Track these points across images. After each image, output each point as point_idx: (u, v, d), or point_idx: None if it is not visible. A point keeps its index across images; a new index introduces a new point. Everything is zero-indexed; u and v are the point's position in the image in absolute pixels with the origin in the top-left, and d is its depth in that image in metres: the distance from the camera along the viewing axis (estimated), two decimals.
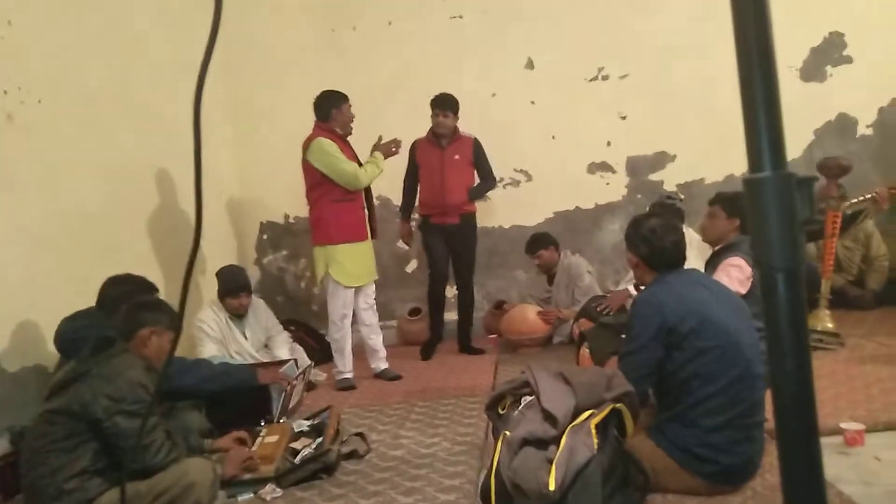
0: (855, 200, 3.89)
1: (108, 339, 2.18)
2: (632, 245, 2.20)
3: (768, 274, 0.58)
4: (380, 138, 3.99)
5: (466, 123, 4.52)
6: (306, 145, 3.81)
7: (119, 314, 2.29)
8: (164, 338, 2.26)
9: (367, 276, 3.96)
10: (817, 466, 0.57)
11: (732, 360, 1.94)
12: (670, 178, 5.13)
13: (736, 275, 2.75)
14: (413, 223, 4.64)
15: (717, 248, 3.06)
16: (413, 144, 4.42)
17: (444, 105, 4.31)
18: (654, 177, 5.16)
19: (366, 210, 3.93)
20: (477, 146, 4.45)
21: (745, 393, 1.94)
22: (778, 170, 0.58)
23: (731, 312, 2.04)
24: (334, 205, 3.82)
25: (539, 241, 4.67)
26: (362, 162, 3.93)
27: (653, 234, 2.16)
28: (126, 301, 2.40)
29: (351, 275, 3.85)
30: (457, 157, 4.36)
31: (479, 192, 4.55)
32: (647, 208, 4.42)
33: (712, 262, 3.03)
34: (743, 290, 2.64)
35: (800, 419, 0.57)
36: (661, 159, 5.15)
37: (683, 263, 2.20)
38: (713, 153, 4.71)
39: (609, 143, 5.16)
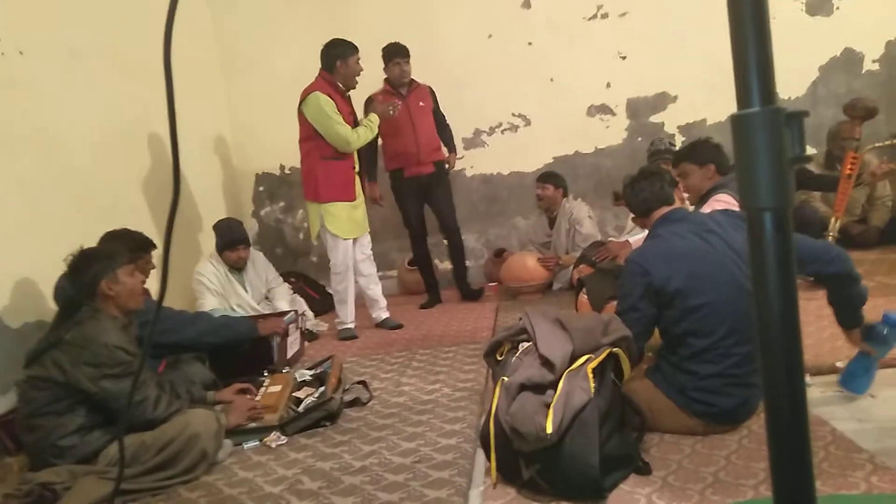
0: (879, 144, 3.82)
1: (74, 302, 2.17)
2: (626, 203, 2.26)
3: (755, 214, 0.56)
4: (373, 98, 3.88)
5: (461, 67, 4.43)
6: (304, 96, 3.73)
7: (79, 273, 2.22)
8: (128, 278, 2.23)
9: (362, 228, 3.95)
10: (802, 412, 0.56)
11: (725, 315, 1.94)
12: (671, 120, 5.06)
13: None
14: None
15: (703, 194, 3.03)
16: (368, 99, 4.17)
17: (403, 52, 4.20)
18: (654, 118, 5.08)
19: (354, 170, 3.84)
20: (433, 94, 4.39)
21: (737, 347, 1.94)
22: (767, 105, 0.55)
23: (731, 261, 2.00)
24: (324, 162, 3.76)
25: (551, 176, 4.66)
26: (359, 119, 3.86)
27: (631, 187, 2.20)
28: None
29: (347, 227, 3.84)
30: (421, 103, 4.29)
31: (453, 141, 4.53)
32: (648, 155, 4.38)
33: (699, 207, 3.00)
34: None
35: (787, 364, 0.57)
36: (661, 100, 5.07)
37: (670, 203, 2.17)
38: (715, 93, 4.61)
39: (609, 85, 5.06)
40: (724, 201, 2.67)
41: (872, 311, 2.20)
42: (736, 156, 0.58)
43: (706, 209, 2.75)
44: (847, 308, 2.11)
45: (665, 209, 2.15)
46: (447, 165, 4.49)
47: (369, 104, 4.15)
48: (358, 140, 3.74)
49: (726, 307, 1.94)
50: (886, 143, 3.85)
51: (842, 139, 4.18)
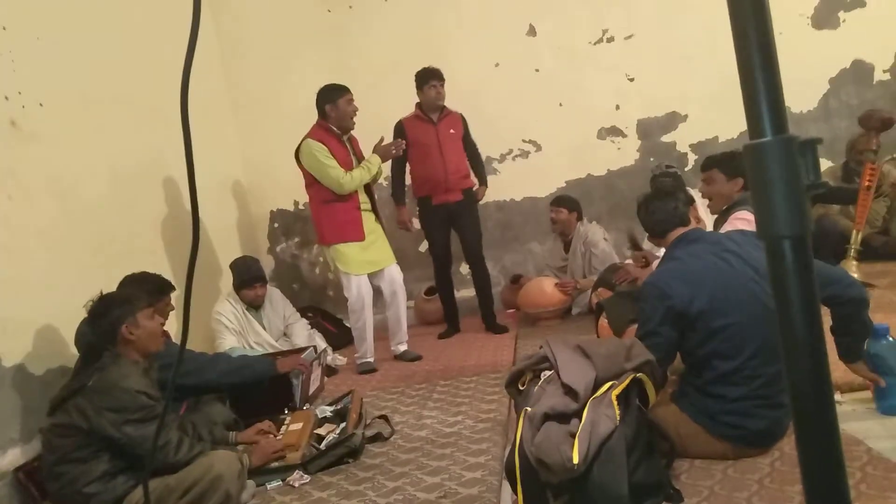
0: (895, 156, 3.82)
1: (95, 348, 2.20)
2: (640, 223, 2.25)
3: (774, 242, 0.57)
4: (381, 140, 3.93)
5: (470, 96, 4.49)
6: (298, 147, 3.82)
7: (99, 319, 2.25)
8: (148, 321, 2.26)
9: (380, 262, 3.95)
10: (834, 439, 0.56)
11: (750, 335, 1.92)
12: (683, 139, 5.07)
13: (742, 227, 2.71)
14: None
15: (724, 207, 3.03)
16: (399, 124, 4.29)
17: (438, 76, 4.23)
18: (666, 138, 5.09)
19: (360, 210, 3.83)
20: (465, 122, 4.41)
21: (764, 367, 1.92)
22: (779, 134, 0.56)
23: (753, 281, 1.98)
24: (325, 206, 3.83)
25: (564, 200, 4.66)
26: (363, 158, 3.91)
27: (645, 207, 2.20)
28: None
29: (357, 264, 3.85)
30: (451, 131, 4.30)
31: (484, 172, 4.53)
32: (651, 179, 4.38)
33: (719, 223, 3.00)
34: None
35: (814, 391, 0.56)
36: (672, 120, 5.08)
37: (686, 223, 2.17)
38: (725, 110, 4.58)
39: (618, 107, 5.09)
40: (746, 219, 2.67)
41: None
42: (751, 185, 0.58)
43: (727, 226, 2.75)
44: (857, 337, 2.06)
45: (681, 230, 2.15)
46: (476, 197, 4.49)
47: (399, 129, 4.26)
48: (351, 182, 3.76)
49: (751, 327, 1.92)
50: None
51: (857, 152, 4.17)
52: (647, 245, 4.13)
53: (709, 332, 1.94)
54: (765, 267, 1.76)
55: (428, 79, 4.23)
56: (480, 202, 4.58)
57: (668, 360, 2.02)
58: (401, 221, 4.43)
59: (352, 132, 3.93)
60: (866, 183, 3.49)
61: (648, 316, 2.02)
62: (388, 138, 4.12)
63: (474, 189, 4.47)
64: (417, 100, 4.31)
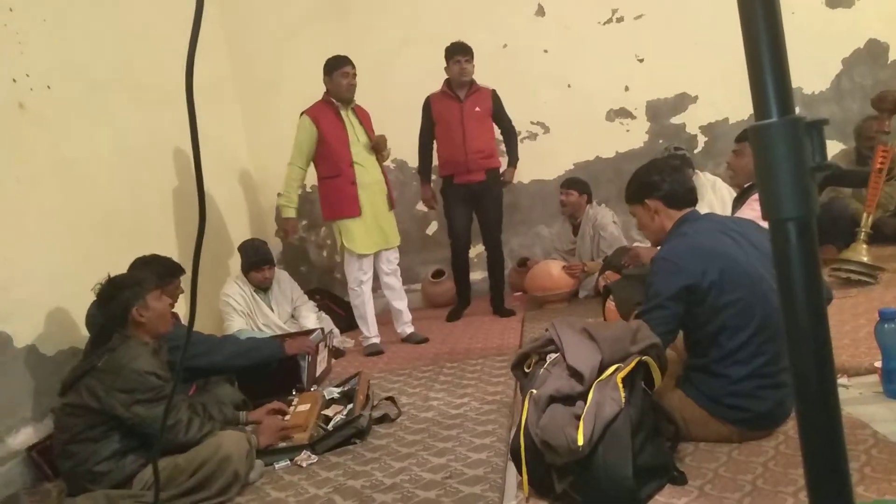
0: None
1: (105, 330, 2.22)
2: (647, 192, 2.14)
3: (779, 225, 0.56)
4: (383, 139, 3.88)
5: (478, 77, 4.44)
6: None
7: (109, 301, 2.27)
8: (157, 303, 2.28)
9: (382, 242, 3.94)
10: (836, 421, 0.56)
11: (755, 311, 1.92)
12: (692, 121, 5.03)
13: (755, 216, 2.70)
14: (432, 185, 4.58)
15: (745, 185, 3.02)
16: (427, 100, 4.30)
17: (465, 50, 4.16)
18: (675, 120, 5.05)
19: (355, 185, 3.80)
20: (496, 98, 4.33)
21: (767, 344, 1.92)
22: (785, 115, 0.55)
23: (756, 259, 1.99)
24: (323, 182, 3.89)
25: (575, 182, 4.65)
26: (373, 132, 3.89)
27: (665, 169, 2.15)
28: None
29: (361, 242, 3.85)
30: (477, 108, 4.24)
31: (516, 151, 4.45)
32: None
33: (741, 199, 3.00)
34: None
35: (817, 373, 0.56)
36: (681, 101, 5.03)
37: (697, 201, 2.18)
38: (736, 91, 4.53)
39: (627, 88, 5.05)
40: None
41: None
42: (756, 166, 0.58)
43: (745, 209, 2.74)
44: None
45: (689, 209, 2.15)
46: (503, 178, 4.43)
47: (426, 106, 4.29)
48: (286, 179, 3.89)
49: (755, 303, 1.92)
50: None
51: (867, 136, 4.15)
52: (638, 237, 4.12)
53: (717, 306, 1.93)
54: (767, 247, 1.75)
55: (452, 54, 4.18)
56: (510, 183, 4.52)
57: (672, 335, 2.01)
58: (424, 199, 4.45)
59: (358, 104, 3.91)
60: (878, 165, 3.45)
61: (658, 290, 2.00)
62: (410, 116, 4.17)
63: (501, 170, 4.42)
64: (436, 78, 4.29)
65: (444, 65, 4.22)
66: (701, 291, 1.94)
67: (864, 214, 3.54)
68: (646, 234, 2.29)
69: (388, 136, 3.95)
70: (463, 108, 4.22)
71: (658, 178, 2.13)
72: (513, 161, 4.45)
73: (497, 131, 4.45)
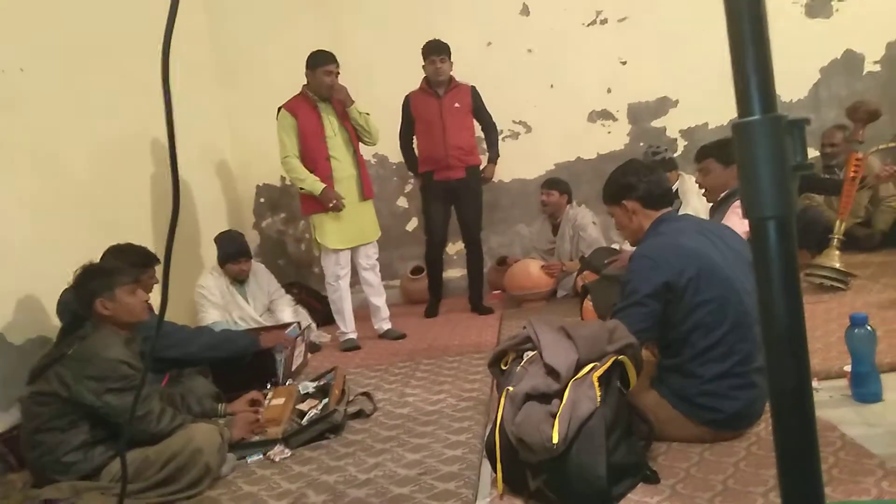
0: (883, 146, 3.83)
1: (78, 317, 2.19)
2: (624, 193, 2.16)
3: (758, 223, 0.56)
4: (346, 93, 3.81)
5: (461, 75, 4.44)
6: None
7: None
8: (127, 297, 2.22)
9: (358, 238, 3.91)
10: (810, 423, 0.56)
11: (729, 310, 1.94)
12: (673, 124, 5.07)
13: (738, 220, 2.73)
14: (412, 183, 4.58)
15: (721, 196, 3.04)
16: (406, 98, 4.32)
17: (440, 50, 4.17)
18: (656, 123, 5.09)
19: (332, 179, 3.76)
20: (475, 94, 4.35)
21: (739, 343, 1.94)
22: (767, 113, 0.55)
23: (732, 260, 2.02)
24: None
25: (556, 182, 4.67)
26: (352, 128, 3.86)
27: (641, 170, 2.18)
28: None
29: (336, 237, 3.82)
30: (456, 105, 4.25)
31: (496, 148, 4.48)
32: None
33: (718, 210, 3.02)
34: None
35: (793, 373, 0.57)
36: (662, 105, 5.08)
37: (673, 202, 2.20)
38: (716, 96, 4.56)
39: (609, 90, 5.08)
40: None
41: (882, 324, 2.19)
42: (738, 164, 0.58)
43: (729, 216, 2.76)
44: None
45: (666, 209, 2.17)
46: (483, 175, 4.45)
47: (405, 104, 4.32)
48: (288, 170, 3.82)
49: (730, 303, 1.95)
50: (890, 144, 3.85)
51: (829, 143, 4.29)
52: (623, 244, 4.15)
53: (693, 305, 1.95)
54: (742, 250, 1.77)
55: (427, 54, 4.20)
56: (489, 180, 4.55)
57: (651, 332, 2.02)
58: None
59: (337, 100, 3.84)
60: (851, 174, 3.51)
61: (635, 287, 2.01)
62: (393, 111, 4.22)
63: (481, 167, 4.44)
64: (420, 73, 4.29)
65: (430, 60, 4.21)
66: (678, 289, 1.95)
67: (837, 221, 3.60)
68: (624, 235, 2.31)
69: (382, 128, 3.94)
70: (442, 104, 4.23)
71: (634, 180, 2.16)
72: (493, 157, 4.47)
73: (478, 128, 4.45)
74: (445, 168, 4.25)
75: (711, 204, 3.16)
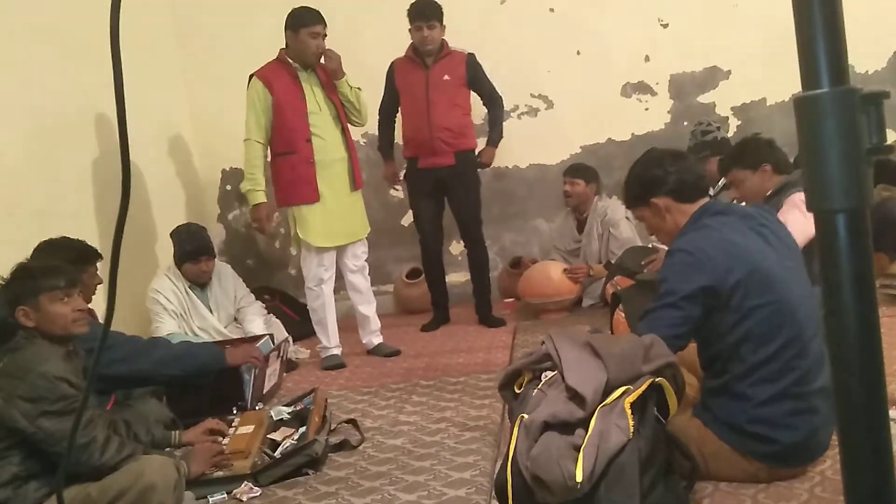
0: None
1: (7, 325, 2.18)
2: (652, 188, 2.17)
3: (826, 217, 0.57)
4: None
5: (469, 39, 4.45)
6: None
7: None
8: (54, 306, 2.20)
9: (346, 235, 3.93)
10: (885, 452, 0.56)
11: (785, 320, 1.95)
12: (723, 100, 5.07)
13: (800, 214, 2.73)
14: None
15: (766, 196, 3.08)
16: (391, 67, 4.33)
17: (428, 14, 4.14)
18: (703, 98, 5.09)
19: (312, 164, 3.78)
20: (472, 63, 4.33)
21: (797, 360, 1.95)
22: (837, 85, 0.55)
23: (788, 259, 2.04)
24: (275, 159, 3.85)
25: (582, 170, 4.67)
26: (339, 101, 3.87)
27: (665, 158, 2.19)
28: None
29: (320, 234, 3.83)
30: (445, 77, 4.24)
31: (499, 127, 4.47)
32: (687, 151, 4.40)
33: (769, 202, 3.04)
34: None
35: (866, 393, 0.57)
36: (711, 76, 5.07)
37: (707, 194, 2.24)
38: (776, 66, 4.60)
39: (647, 59, 5.08)
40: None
41: None
42: (801, 147, 0.58)
43: (789, 210, 2.76)
44: None
45: (705, 199, 2.18)
46: (479, 159, 4.44)
47: (389, 74, 4.33)
48: (245, 153, 3.81)
49: (787, 311, 1.96)
50: None
51: None
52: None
53: (744, 311, 1.95)
54: (795, 246, 1.77)
55: (413, 18, 4.19)
56: (487, 166, 4.55)
57: (683, 341, 2.02)
58: (386, 177, 4.48)
59: (323, 66, 3.86)
60: None
61: (672, 287, 2.01)
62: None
63: (477, 151, 4.43)
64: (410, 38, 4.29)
65: (416, 26, 4.20)
66: (724, 293, 1.96)
67: None
68: (661, 239, 2.31)
69: (370, 101, 3.96)
70: (429, 76, 4.22)
71: (660, 172, 2.16)
72: (494, 139, 4.45)
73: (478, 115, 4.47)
74: (430, 153, 4.24)
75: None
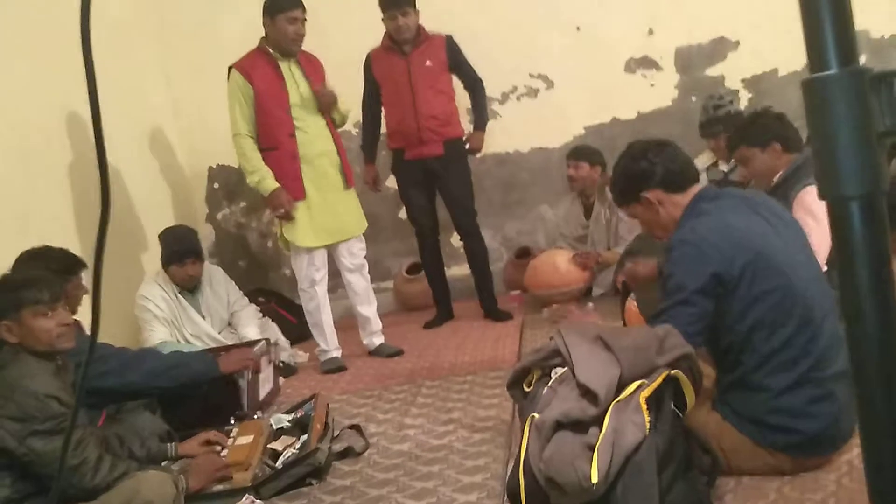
0: None
1: None
2: (640, 183, 2.18)
3: (838, 204, 0.57)
4: (327, 90, 3.85)
5: (462, 16, 4.45)
6: None
7: None
8: (34, 320, 2.20)
9: (337, 232, 3.92)
10: None
11: (795, 303, 1.96)
12: (733, 72, 5.06)
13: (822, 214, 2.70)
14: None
15: (775, 181, 3.07)
16: (367, 58, 4.31)
17: (399, 2, 4.12)
18: (711, 71, 5.08)
19: (297, 160, 3.77)
20: (451, 46, 4.33)
21: (810, 344, 1.96)
22: (846, 66, 0.56)
23: (792, 241, 2.06)
24: (262, 154, 3.79)
25: (585, 152, 4.66)
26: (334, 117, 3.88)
27: (650, 149, 2.20)
28: None
29: (306, 233, 3.83)
30: (427, 63, 4.23)
31: (485, 111, 4.48)
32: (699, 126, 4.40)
33: (775, 198, 3.04)
34: None
35: (886, 383, 0.57)
36: (719, 48, 5.06)
37: (699, 174, 2.27)
38: (787, 35, 4.60)
39: (651, 32, 5.07)
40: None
41: None
42: (811, 131, 0.58)
43: (799, 215, 2.72)
44: None
45: (698, 186, 2.20)
46: (467, 146, 4.44)
47: (367, 66, 4.30)
48: (238, 148, 3.77)
49: (795, 293, 1.97)
50: None
51: None
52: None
53: (752, 297, 1.97)
54: (799, 232, 1.78)
55: (385, 7, 4.17)
56: (477, 152, 4.54)
57: (700, 339, 2.03)
58: (367, 181, 4.47)
59: (305, 52, 3.85)
60: None
61: (679, 282, 2.02)
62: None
63: (465, 138, 4.43)
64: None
65: (390, 14, 4.17)
66: (731, 280, 1.97)
67: None
68: (658, 234, 2.31)
69: (344, 95, 3.91)
70: (410, 64, 4.21)
71: (646, 164, 2.18)
72: (481, 124, 4.46)
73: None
74: (418, 143, 4.25)
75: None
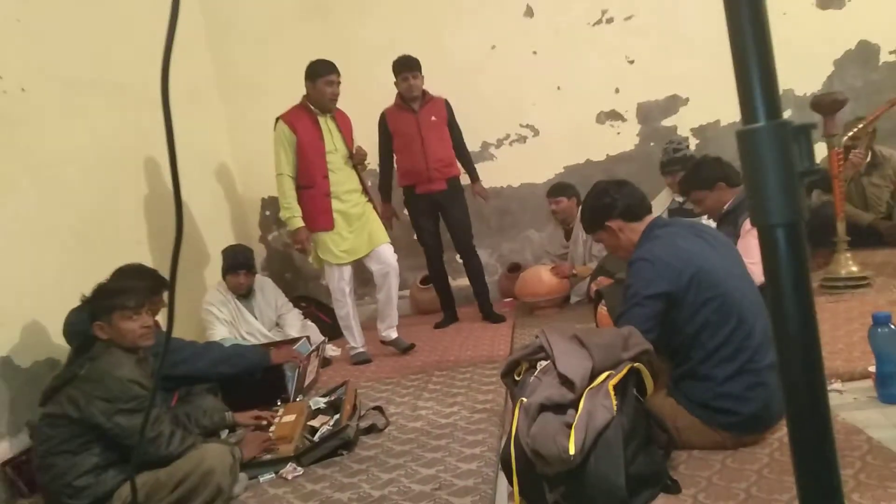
0: (850, 133, 3.78)
1: (89, 337, 2.21)
2: (604, 214, 2.21)
3: (767, 231, 0.57)
4: (361, 152, 3.90)
5: (466, 78, 4.46)
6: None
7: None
8: (125, 323, 2.21)
9: (362, 247, 3.88)
10: (827, 431, 0.57)
11: (733, 307, 1.97)
12: (684, 123, 5.06)
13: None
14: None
15: (725, 209, 3.07)
16: (382, 115, 4.34)
17: (412, 66, 4.19)
18: (667, 122, 5.09)
19: (329, 197, 3.76)
20: (449, 107, 4.38)
21: (746, 340, 1.97)
22: (772, 119, 0.56)
23: (727, 261, 2.08)
24: (298, 191, 3.79)
25: (562, 188, 4.65)
26: (352, 141, 3.88)
27: (611, 187, 2.25)
28: None
29: (336, 253, 3.82)
30: (433, 118, 4.28)
31: (472, 167, 4.53)
32: (660, 166, 4.40)
33: (725, 223, 3.03)
34: None
35: (807, 383, 0.57)
36: (673, 103, 5.07)
37: (651, 208, 2.29)
38: (728, 92, 4.55)
39: (617, 90, 5.08)
40: None
41: None
42: (744, 172, 0.59)
43: (750, 246, 2.69)
44: None
45: (649, 217, 2.23)
46: (476, 196, 4.53)
47: (382, 120, 4.32)
48: (279, 187, 3.75)
49: (733, 299, 1.98)
50: (856, 129, 3.80)
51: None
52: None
53: (697, 304, 1.98)
54: (735, 254, 1.81)
55: (399, 71, 4.22)
56: (486, 200, 4.64)
57: (653, 334, 2.02)
58: (384, 217, 4.40)
59: (339, 109, 3.88)
60: (835, 171, 3.47)
61: (636, 290, 2.05)
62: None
63: (473, 191, 4.51)
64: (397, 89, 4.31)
65: (403, 76, 4.20)
66: (680, 289, 1.99)
67: (837, 222, 3.54)
68: (620, 255, 2.33)
69: (370, 141, 3.93)
70: (419, 118, 4.25)
71: (609, 199, 2.22)
72: (476, 175, 4.52)
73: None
74: (427, 181, 4.28)
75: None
